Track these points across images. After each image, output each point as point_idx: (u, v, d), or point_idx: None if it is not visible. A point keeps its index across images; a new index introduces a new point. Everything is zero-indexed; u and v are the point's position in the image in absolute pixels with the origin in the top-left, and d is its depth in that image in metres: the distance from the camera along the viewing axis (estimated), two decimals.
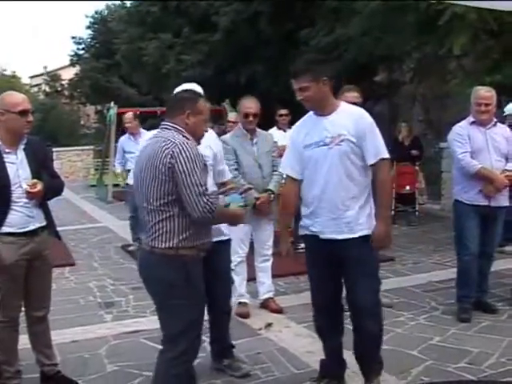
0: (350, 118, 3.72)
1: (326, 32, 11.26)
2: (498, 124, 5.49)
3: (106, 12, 30.42)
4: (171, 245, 3.26)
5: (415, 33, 9.29)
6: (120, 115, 15.13)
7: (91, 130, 34.93)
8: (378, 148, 3.69)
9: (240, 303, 5.56)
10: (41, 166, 4.05)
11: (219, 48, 15.06)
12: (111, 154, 15.63)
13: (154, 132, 3.56)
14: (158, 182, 3.23)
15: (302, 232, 3.96)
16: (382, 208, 3.77)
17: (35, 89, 41.89)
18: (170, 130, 3.36)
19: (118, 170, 9.11)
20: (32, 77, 46.06)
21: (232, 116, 8.35)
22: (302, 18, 12.79)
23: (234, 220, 3.55)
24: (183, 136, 3.32)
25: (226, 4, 14.33)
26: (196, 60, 15.50)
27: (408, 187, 10.32)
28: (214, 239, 4.02)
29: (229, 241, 4.42)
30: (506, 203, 5.45)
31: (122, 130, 9.41)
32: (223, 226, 4.22)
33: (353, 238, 3.70)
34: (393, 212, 10.26)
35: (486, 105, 5.31)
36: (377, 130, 3.74)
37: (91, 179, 19.66)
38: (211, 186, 3.94)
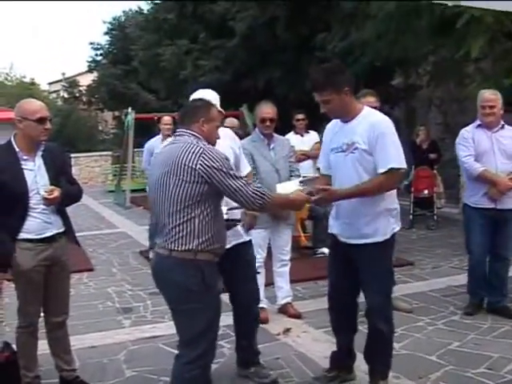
0: (366, 125, 3.75)
1: (342, 36, 11.23)
2: (507, 127, 5.48)
3: (124, 18, 30.57)
4: (191, 247, 3.28)
5: (431, 36, 9.24)
6: (138, 121, 15.30)
7: (109, 135, 35.13)
8: (387, 157, 3.68)
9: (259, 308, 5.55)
10: (59, 173, 4.07)
11: (236, 53, 15.08)
12: (129, 159, 15.72)
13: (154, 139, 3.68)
14: (184, 183, 3.25)
15: (329, 230, 4.09)
16: (354, 189, 3.72)
17: (54, 95, 42.23)
18: (188, 136, 3.42)
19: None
20: (50, 83, 46.46)
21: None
22: (318, 22, 12.78)
23: (293, 205, 3.66)
24: (201, 141, 3.40)
25: (242, 9, 14.35)
26: (213, 65, 15.52)
27: (426, 191, 10.26)
28: (233, 242, 4.07)
29: (250, 242, 4.38)
30: None
31: (155, 132, 9.36)
32: (241, 229, 4.21)
33: (365, 244, 3.79)
34: (411, 216, 10.24)
35: (491, 107, 5.33)
36: (391, 138, 3.73)
37: (109, 185, 19.75)
38: None
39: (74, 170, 23.14)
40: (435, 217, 10.27)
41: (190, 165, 3.23)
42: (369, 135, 3.71)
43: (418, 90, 14.37)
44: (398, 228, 3.93)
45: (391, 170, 3.68)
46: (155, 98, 22.95)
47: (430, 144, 10.42)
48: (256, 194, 3.28)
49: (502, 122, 5.45)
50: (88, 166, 23.18)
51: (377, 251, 3.79)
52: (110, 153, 23.84)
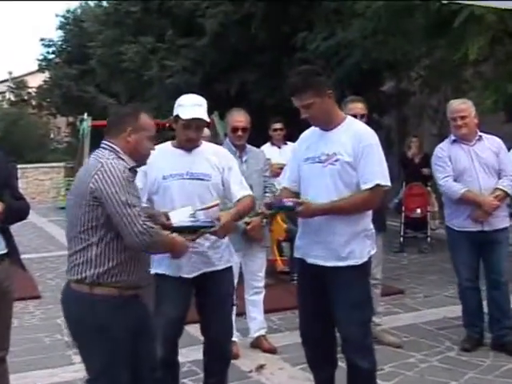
0: (350, 135, 3.79)
1: (326, 35, 11.33)
2: (485, 136, 5.51)
3: (80, 11, 30.45)
4: (85, 276, 3.25)
5: (425, 36, 9.35)
6: (95, 128, 15.23)
7: (62, 144, 34.96)
8: (374, 172, 3.74)
9: None
10: (2, 186, 4.02)
11: (207, 53, 15.12)
12: None
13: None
14: (79, 205, 3.26)
15: (294, 254, 4.09)
16: (333, 204, 3.74)
17: None
18: (105, 149, 3.38)
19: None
20: None
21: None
22: (299, 20, 12.87)
23: (173, 249, 3.51)
24: (117, 156, 3.33)
25: (213, 4, 14.40)
26: (181, 66, 15.55)
27: (419, 210, 10.33)
28: (203, 269, 4.09)
29: (227, 270, 4.30)
30: (506, 224, 5.50)
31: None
32: (214, 254, 4.18)
33: (338, 267, 3.79)
34: (401, 238, 10.30)
35: (462, 117, 5.40)
36: (378, 152, 3.80)
37: (61, 201, 19.59)
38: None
39: (21, 184, 22.85)
40: (429, 239, 10.34)
41: (84, 185, 3.24)
42: (354, 146, 3.74)
43: (410, 96, 14.53)
44: (373, 251, 3.96)
45: (377, 186, 3.73)
46: (115, 103, 22.91)
47: (423, 157, 10.47)
48: (144, 230, 3.18)
49: (479, 133, 5.50)
50: (37, 179, 23.01)
51: (352, 276, 3.79)
52: (62, 164, 23.72)
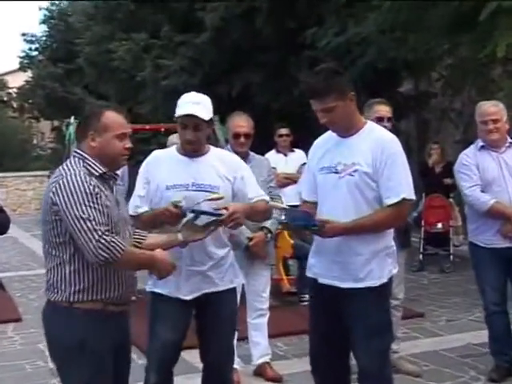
0: (371, 144, 3.80)
1: (337, 31, 11.35)
2: None
3: (66, 4, 30.48)
4: (63, 298, 3.31)
5: (448, 31, 9.34)
6: None
7: (46, 151, 34.99)
8: (399, 185, 3.76)
9: None
10: None
11: (207, 51, 15.14)
12: None
13: None
14: (46, 223, 3.34)
15: (307, 272, 4.07)
16: (361, 223, 3.75)
17: None
18: (74, 157, 3.44)
19: None
20: None
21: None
22: (308, 14, 12.89)
23: (152, 266, 3.46)
24: (87, 163, 3.38)
25: None
26: (178, 66, 15.57)
27: (440, 225, 10.33)
28: (204, 290, 4.11)
29: (231, 291, 4.31)
30: None
31: None
32: (217, 274, 4.18)
33: (357, 289, 3.79)
34: (421, 256, 10.29)
35: (494, 121, 5.39)
36: (403, 162, 3.83)
37: None
38: None
39: (0, 194, 23.02)
40: (451, 257, 10.33)
41: (45, 197, 3.32)
42: (375, 156, 3.75)
43: (431, 98, 14.54)
44: (395, 270, 3.96)
45: (402, 201, 3.74)
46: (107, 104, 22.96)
47: (445, 166, 10.48)
48: (102, 245, 3.18)
49: (510, 140, 5.51)
50: (18, 189, 23.02)
51: (371, 298, 3.79)
52: (46, 173, 23.63)
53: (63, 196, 3.23)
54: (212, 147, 4.31)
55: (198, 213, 3.79)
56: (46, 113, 31.55)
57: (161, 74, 15.64)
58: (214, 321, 4.19)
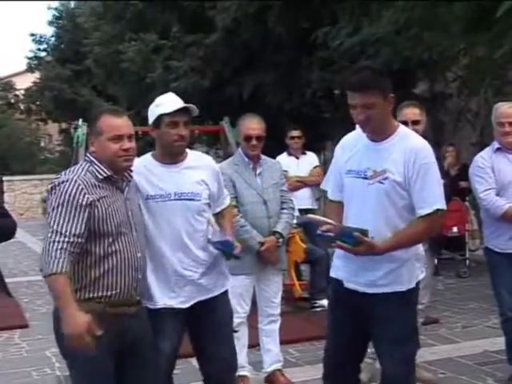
0: (403, 150, 3.79)
1: (351, 31, 11.34)
2: None
3: (74, 4, 30.52)
4: None
5: (464, 30, 9.32)
6: None
7: (53, 154, 35.10)
8: (433, 196, 3.75)
9: (239, 376, 5.53)
10: None
11: (217, 52, 15.18)
12: None
13: None
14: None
15: (331, 273, 4.08)
16: (398, 239, 3.74)
17: None
18: (84, 160, 3.64)
19: None
20: None
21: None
22: (320, 13, 12.89)
23: (63, 309, 3.34)
24: (93, 167, 3.55)
25: None
26: (188, 67, 15.61)
27: (456, 229, 10.30)
28: (197, 298, 4.14)
29: (222, 295, 4.34)
30: None
31: None
32: (208, 280, 4.20)
33: (382, 294, 3.79)
34: (436, 260, 10.24)
35: (511, 124, 5.35)
36: (436, 172, 3.82)
37: None
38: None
39: (7, 198, 23.12)
40: (467, 261, 10.30)
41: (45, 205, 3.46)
42: (407, 165, 3.75)
43: (446, 99, 14.50)
44: (422, 275, 3.97)
45: (436, 211, 3.73)
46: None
47: (461, 169, 10.46)
48: (47, 259, 3.28)
49: None
50: (25, 193, 23.15)
51: (399, 303, 3.79)
52: (54, 176, 23.60)
53: (51, 203, 3.42)
54: (188, 150, 4.30)
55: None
56: (54, 115, 31.63)
57: (170, 75, 15.67)
58: (212, 326, 4.19)
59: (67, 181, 3.43)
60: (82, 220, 3.39)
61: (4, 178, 23.32)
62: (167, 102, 4.11)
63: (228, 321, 4.36)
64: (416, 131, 5.27)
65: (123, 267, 3.53)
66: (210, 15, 14.77)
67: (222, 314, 4.29)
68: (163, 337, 4.05)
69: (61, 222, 3.35)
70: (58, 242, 3.30)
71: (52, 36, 31.55)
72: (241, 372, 5.53)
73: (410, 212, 3.78)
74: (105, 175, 3.52)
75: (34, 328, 7.92)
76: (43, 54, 32.16)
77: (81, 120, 15.75)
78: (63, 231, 3.34)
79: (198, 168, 4.22)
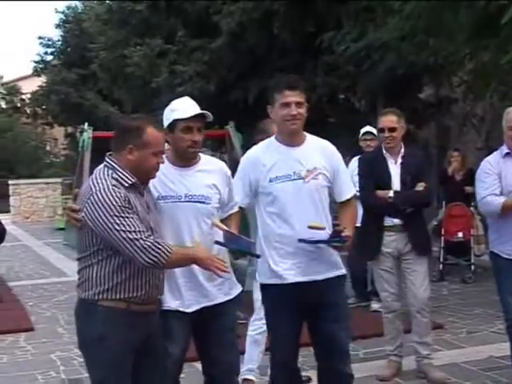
0: (320, 150, 4.40)
1: (356, 36, 11.36)
2: None
3: (81, 8, 30.55)
4: (89, 295, 3.59)
5: (470, 36, 9.32)
6: (96, 139, 15.32)
7: (59, 158, 35.17)
8: (350, 183, 4.57)
9: (245, 380, 5.53)
10: None
11: (223, 57, 15.20)
12: None
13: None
14: (80, 232, 3.63)
15: (265, 280, 4.43)
16: (351, 224, 4.45)
17: None
18: (105, 166, 3.63)
19: None
20: None
21: None
22: (326, 18, 12.90)
23: (194, 259, 3.70)
24: (117, 174, 3.57)
25: (230, 1, 14.46)
26: (194, 72, 15.63)
27: (461, 234, 10.28)
28: (203, 304, 4.14)
29: (227, 302, 4.34)
30: None
31: None
32: (212, 286, 4.19)
33: (334, 278, 4.38)
34: (441, 266, 10.24)
35: None
36: (344, 164, 4.56)
37: (58, 221, 19.71)
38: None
39: (13, 201, 23.15)
40: (472, 267, 10.27)
41: (81, 212, 3.53)
42: (328, 160, 4.38)
43: (451, 104, 14.50)
44: None
45: (354, 195, 4.55)
46: (118, 112, 23.02)
47: (466, 174, 10.42)
48: (148, 250, 3.44)
49: None
50: (31, 197, 23.16)
51: (342, 284, 4.52)
52: (59, 180, 23.88)
53: (96, 213, 3.44)
54: (201, 154, 4.32)
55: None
56: (60, 119, 31.68)
57: (176, 80, 15.69)
58: (216, 330, 4.20)
59: (106, 190, 3.47)
60: (137, 219, 3.52)
61: (10, 182, 23.36)
62: (183, 108, 4.12)
63: (232, 326, 4.36)
64: (393, 138, 5.78)
65: (148, 270, 3.61)
66: (215, 20, 14.78)
67: (227, 319, 4.29)
68: (171, 340, 4.06)
69: (129, 225, 3.44)
70: (143, 237, 3.44)
71: (58, 40, 31.61)
72: (247, 376, 5.54)
73: (328, 198, 4.41)
74: (130, 182, 3.58)
75: (40, 331, 7.93)
76: (50, 57, 32.20)
77: (86, 124, 15.82)
78: (139, 229, 3.46)
79: (210, 172, 4.23)
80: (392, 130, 5.76)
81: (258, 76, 14.56)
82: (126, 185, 3.55)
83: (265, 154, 4.38)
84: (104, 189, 3.47)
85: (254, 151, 4.49)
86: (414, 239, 5.84)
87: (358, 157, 8.71)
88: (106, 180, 3.52)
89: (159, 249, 3.45)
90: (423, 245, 5.95)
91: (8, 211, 22.30)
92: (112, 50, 19.11)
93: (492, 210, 5.32)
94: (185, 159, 4.16)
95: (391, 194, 5.75)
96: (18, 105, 36.79)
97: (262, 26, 13.91)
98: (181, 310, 4.09)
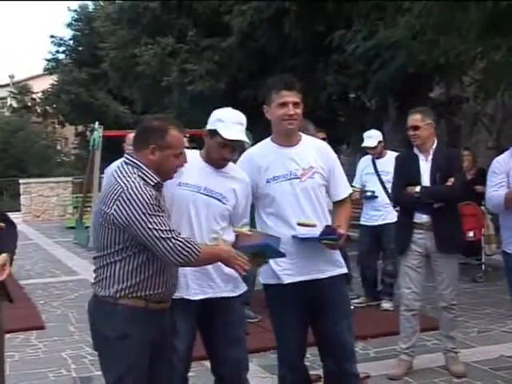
0: (315, 150, 4.45)
1: (366, 35, 11.34)
2: None
3: (92, 7, 30.58)
4: (109, 293, 3.59)
5: (481, 34, 9.29)
6: (106, 138, 15.35)
7: (69, 157, 35.25)
8: (346, 182, 4.60)
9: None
10: None
11: (233, 56, 15.20)
12: (95, 187, 15.66)
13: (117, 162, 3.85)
14: (102, 227, 3.57)
15: (267, 280, 4.45)
16: (345, 222, 4.50)
17: None
18: (128, 164, 3.63)
19: None
20: None
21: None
22: (336, 17, 12.89)
23: (219, 258, 3.74)
24: (142, 173, 3.58)
25: (241, 0, 14.45)
26: (204, 70, 15.64)
27: (471, 233, 10.22)
28: (209, 294, 4.15)
29: (234, 298, 4.32)
30: None
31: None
32: (220, 275, 4.20)
33: (334, 276, 4.40)
34: None
35: None
36: (339, 164, 4.59)
37: (69, 219, 19.77)
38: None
39: (24, 200, 23.20)
40: (483, 266, 10.26)
41: (106, 209, 3.51)
42: (324, 160, 4.44)
43: (462, 103, 14.46)
44: None
45: (349, 194, 4.61)
46: (129, 111, 23.05)
47: (477, 173, 10.41)
48: (180, 249, 3.48)
49: None
50: (41, 196, 23.20)
51: (343, 283, 4.54)
52: (70, 179, 23.93)
53: (131, 212, 3.45)
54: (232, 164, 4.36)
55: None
56: (70, 118, 31.76)
57: (186, 78, 15.69)
58: (224, 327, 4.20)
59: (133, 187, 3.48)
60: (166, 217, 3.58)
61: (21, 181, 23.42)
62: (229, 126, 4.12)
63: (240, 322, 4.38)
64: (417, 136, 5.79)
65: (168, 268, 3.65)
66: (226, 20, 14.77)
67: (234, 316, 4.30)
68: (176, 335, 4.06)
69: (160, 223, 3.46)
70: (174, 236, 3.47)
71: (70, 39, 31.66)
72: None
73: (326, 197, 4.47)
74: (155, 181, 3.61)
75: (51, 329, 7.95)
76: (62, 56, 32.24)
77: (97, 123, 15.84)
78: (170, 228, 3.49)
79: (234, 178, 4.27)
80: (415, 128, 5.79)
81: (269, 75, 14.47)
82: (152, 183, 3.58)
83: (261, 155, 4.43)
84: (136, 187, 3.48)
85: (250, 153, 4.53)
86: (441, 237, 5.77)
87: (366, 157, 8.77)
88: (135, 178, 3.53)
89: (189, 248, 3.48)
90: (451, 243, 5.86)
91: (19, 210, 22.37)
92: (122, 50, 19.13)
93: (496, 203, 5.32)
94: (215, 165, 4.22)
95: (417, 189, 5.73)
96: (29, 104, 36.84)
97: (273, 26, 13.91)
98: (186, 297, 4.09)
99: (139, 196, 3.44)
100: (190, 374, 4.28)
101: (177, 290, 3.99)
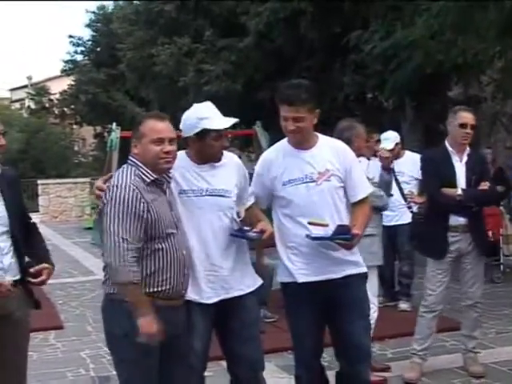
0: (332, 152, 4.41)
1: (383, 35, 11.31)
2: None
3: (111, 8, 30.63)
4: (116, 290, 3.66)
5: (499, 34, 9.25)
6: (124, 139, 15.37)
7: (87, 158, 35.38)
8: (365, 183, 4.54)
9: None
10: (19, 207, 4.14)
11: (250, 56, 15.20)
12: None
13: None
14: (101, 222, 3.68)
15: (283, 278, 4.45)
16: (363, 223, 4.45)
17: (17, 105, 42.66)
18: (129, 164, 3.77)
19: None
20: (13, 89, 47.05)
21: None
22: (353, 17, 12.87)
23: (136, 307, 3.57)
24: (140, 171, 3.69)
25: (258, 1, 14.46)
26: (221, 71, 15.65)
27: (490, 233, 10.19)
28: (222, 296, 4.16)
29: (248, 295, 4.33)
30: None
31: None
32: (234, 278, 4.22)
33: (351, 276, 4.38)
34: None
35: None
36: (358, 164, 4.59)
37: (86, 220, 19.82)
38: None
39: (42, 201, 23.31)
40: (502, 267, 10.21)
41: (101, 206, 3.65)
42: (340, 161, 4.39)
43: (481, 103, 14.40)
44: None
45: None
46: (145, 112, 23.04)
47: (496, 172, 10.35)
48: (122, 265, 3.52)
49: None
50: (59, 196, 23.31)
51: (363, 282, 4.46)
52: (88, 180, 23.98)
53: (108, 205, 3.58)
54: (224, 151, 4.35)
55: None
56: (88, 119, 31.87)
57: (203, 79, 15.72)
58: (239, 326, 4.20)
59: (123, 187, 3.58)
60: (141, 226, 3.59)
61: (39, 182, 23.54)
62: (213, 117, 4.16)
63: (255, 321, 4.38)
64: (470, 135, 5.67)
65: (172, 266, 3.70)
66: (243, 20, 14.78)
67: (249, 314, 4.30)
68: (194, 334, 4.09)
69: (125, 228, 3.53)
70: (127, 249, 3.51)
71: (89, 40, 31.78)
72: None
73: (344, 199, 4.40)
74: (152, 178, 3.69)
75: (69, 329, 8.01)
76: (79, 57, 32.37)
77: (114, 124, 15.88)
78: (129, 238, 3.53)
79: (228, 166, 4.29)
80: (472, 127, 5.67)
81: (286, 75, 14.48)
82: (148, 181, 3.67)
83: (278, 157, 4.43)
84: (124, 187, 3.59)
85: (268, 155, 4.55)
86: (478, 239, 5.81)
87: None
88: (128, 178, 3.64)
89: (125, 270, 3.52)
90: (485, 245, 5.99)
91: (37, 210, 22.49)
92: (139, 50, 19.19)
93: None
94: (210, 161, 4.21)
95: (459, 191, 5.64)
96: (47, 105, 37.00)
97: (289, 26, 13.91)
98: (200, 301, 4.10)
99: (120, 194, 3.56)
100: (207, 373, 4.30)
101: (189, 290, 4.02)
